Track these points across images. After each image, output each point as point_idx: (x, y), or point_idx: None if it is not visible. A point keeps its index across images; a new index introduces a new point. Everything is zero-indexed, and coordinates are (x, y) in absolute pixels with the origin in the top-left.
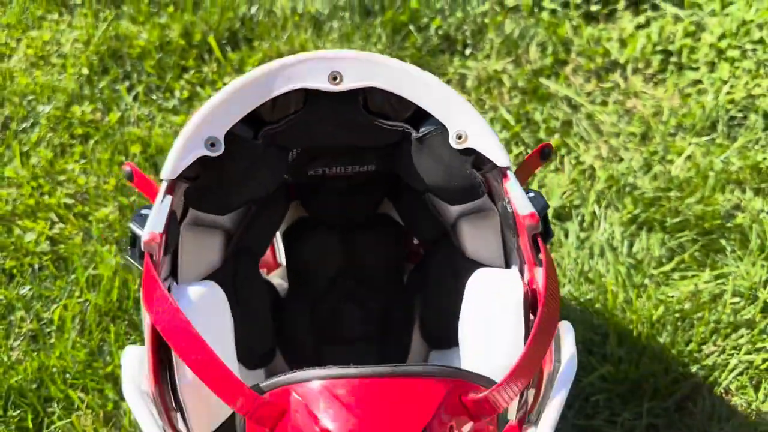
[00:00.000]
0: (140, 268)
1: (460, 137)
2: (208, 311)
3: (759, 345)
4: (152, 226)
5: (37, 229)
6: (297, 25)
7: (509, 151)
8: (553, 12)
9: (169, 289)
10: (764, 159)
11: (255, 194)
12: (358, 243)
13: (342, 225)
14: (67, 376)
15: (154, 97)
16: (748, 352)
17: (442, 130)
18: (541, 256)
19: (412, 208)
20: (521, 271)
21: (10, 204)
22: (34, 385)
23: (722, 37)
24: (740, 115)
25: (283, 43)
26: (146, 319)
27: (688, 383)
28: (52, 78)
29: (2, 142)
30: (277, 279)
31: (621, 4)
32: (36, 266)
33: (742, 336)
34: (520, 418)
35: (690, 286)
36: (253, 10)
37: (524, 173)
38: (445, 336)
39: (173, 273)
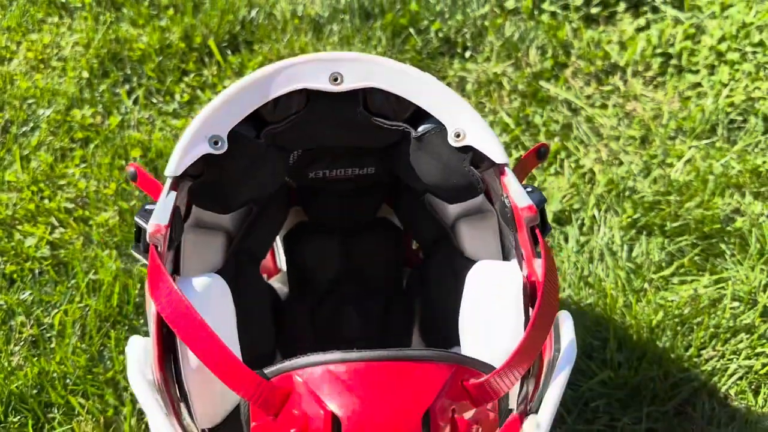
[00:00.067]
0: (145, 261)
1: (458, 135)
2: (212, 301)
3: (758, 350)
4: (157, 219)
5: (37, 233)
6: (297, 28)
7: (509, 155)
8: (553, 14)
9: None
10: (764, 162)
11: (256, 194)
12: (357, 246)
13: (342, 229)
14: (68, 381)
15: (154, 100)
16: (748, 357)
17: (441, 128)
18: (540, 247)
19: (412, 209)
20: (520, 266)
21: (10, 208)
22: (35, 391)
23: (722, 39)
24: (740, 118)
25: (283, 46)
26: (151, 309)
27: (687, 388)
28: (53, 81)
29: (2, 146)
30: (277, 284)
31: (621, 7)
32: (36, 271)
33: (741, 341)
34: (522, 412)
35: (689, 291)
36: (253, 13)
37: (521, 173)
38: (445, 335)
39: (175, 272)
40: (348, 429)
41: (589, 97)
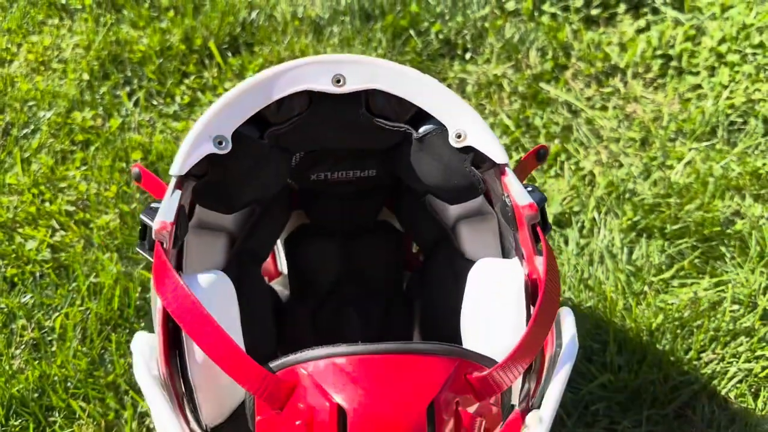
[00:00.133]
0: (150, 258)
1: (459, 136)
2: (217, 297)
3: (758, 353)
4: (163, 216)
5: (38, 236)
6: (297, 30)
7: (509, 157)
8: (553, 16)
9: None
10: (764, 165)
11: (259, 194)
12: (358, 249)
13: (342, 231)
14: (69, 385)
15: (154, 102)
16: (747, 360)
17: (442, 129)
18: (541, 245)
19: (413, 211)
20: (521, 265)
21: (11, 211)
22: (36, 394)
23: (722, 41)
24: (740, 120)
25: (284, 48)
26: (156, 305)
27: (687, 391)
28: (53, 83)
29: (3, 149)
30: (278, 287)
31: (621, 8)
32: (37, 274)
33: (741, 344)
34: (524, 408)
35: (689, 294)
36: (254, 14)
37: (521, 174)
38: (446, 336)
39: (178, 273)
40: (353, 421)
41: (589, 98)
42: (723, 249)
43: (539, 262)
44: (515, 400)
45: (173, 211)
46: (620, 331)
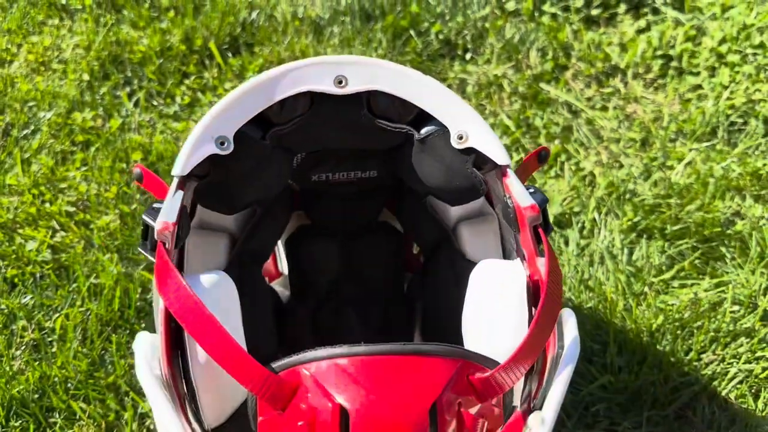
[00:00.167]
0: (152, 258)
1: (461, 137)
2: (219, 297)
3: (758, 354)
4: (165, 216)
5: (38, 237)
6: (297, 30)
7: (510, 157)
8: (554, 16)
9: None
10: (764, 165)
11: (261, 194)
12: (358, 250)
13: (343, 232)
14: (69, 386)
15: (155, 103)
16: (748, 361)
17: (444, 131)
18: (543, 246)
19: (414, 212)
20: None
21: (11, 212)
22: (36, 396)
23: (723, 41)
24: (740, 120)
25: (284, 48)
26: (158, 305)
27: (687, 392)
28: (53, 84)
29: (3, 150)
30: (279, 287)
31: (621, 8)
32: (37, 275)
33: (741, 345)
34: (525, 408)
35: (690, 295)
36: (254, 15)
37: (522, 175)
38: (447, 337)
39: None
40: (356, 421)
41: (589, 99)
42: (723, 250)
43: (541, 263)
44: (517, 401)
45: (175, 212)
46: (620, 332)
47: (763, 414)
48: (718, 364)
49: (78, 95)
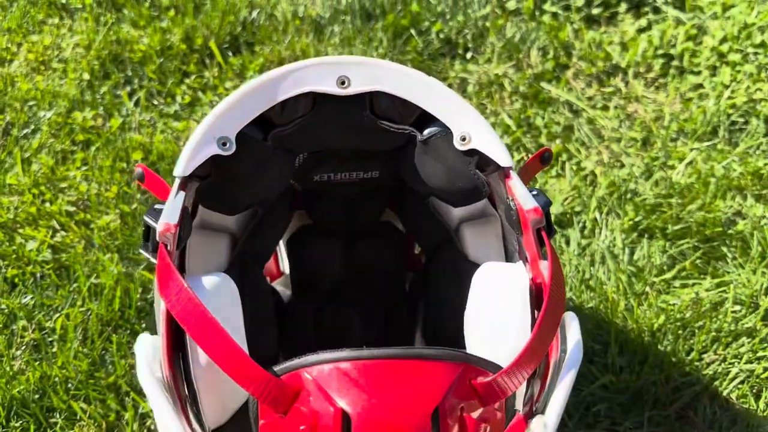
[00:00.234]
0: (153, 260)
1: (464, 139)
2: (221, 300)
3: (760, 354)
4: (167, 218)
5: (38, 237)
6: (298, 30)
7: (511, 157)
8: (555, 15)
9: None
10: (765, 165)
11: (262, 195)
12: (360, 250)
13: (345, 232)
14: (70, 386)
15: (155, 102)
16: (749, 361)
17: (447, 132)
18: (546, 249)
19: (415, 213)
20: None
21: (11, 212)
22: (37, 396)
23: (724, 40)
24: (741, 120)
25: (285, 47)
26: (160, 307)
27: (689, 392)
28: (53, 83)
29: (3, 149)
30: (280, 287)
31: (622, 7)
32: (38, 275)
33: (742, 345)
34: (527, 412)
35: (691, 294)
36: (254, 14)
37: (525, 177)
38: (449, 338)
39: (181, 273)
40: (358, 426)
41: (590, 98)
42: (724, 249)
43: (544, 266)
44: (519, 404)
45: (177, 213)
46: (622, 331)
47: (765, 414)
48: (720, 364)
49: (78, 94)
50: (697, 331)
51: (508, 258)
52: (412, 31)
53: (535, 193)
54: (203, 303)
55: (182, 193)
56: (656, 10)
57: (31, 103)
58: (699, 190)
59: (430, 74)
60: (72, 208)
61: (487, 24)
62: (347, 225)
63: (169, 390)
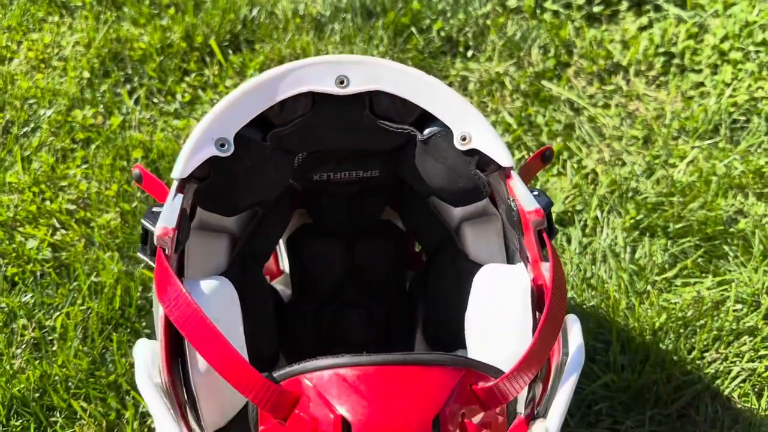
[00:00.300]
0: (151, 264)
1: (464, 138)
2: (220, 304)
3: (762, 352)
4: (164, 221)
5: (38, 235)
6: (298, 28)
7: (512, 156)
8: (556, 13)
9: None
10: (767, 163)
11: (262, 196)
12: (360, 250)
13: (345, 231)
14: (70, 385)
15: (155, 100)
16: (751, 360)
17: (447, 131)
18: (547, 250)
19: (416, 212)
20: (526, 270)
21: (11, 210)
22: (37, 394)
23: (725, 38)
24: (743, 118)
25: (285, 45)
26: (158, 312)
27: (690, 391)
28: (54, 81)
29: (3, 147)
30: (280, 286)
31: (623, 5)
32: (38, 273)
33: (744, 343)
34: (528, 415)
35: (692, 293)
36: (255, 12)
37: (526, 176)
38: (449, 338)
39: (180, 274)
40: None
41: (591, 96)
42: (726, 248)
43: (545, 267)
44: (520, 407)
45: (175, 216)
46: (623, 330)
47: (766, 413)
48: (721, 363)
49: (78, 93)
50: (698, 329)
51: (509, 257)
52: (413, 30)
53: (536, 193)
54: (202, 308)
55: (180, 196)
56: (657, 8)
57: (31, 101)
58: (700, 189)
59: (431, 73)
60: (72, 207)
61: (488, 22)
62: (347, 224)
63: (167, 395)
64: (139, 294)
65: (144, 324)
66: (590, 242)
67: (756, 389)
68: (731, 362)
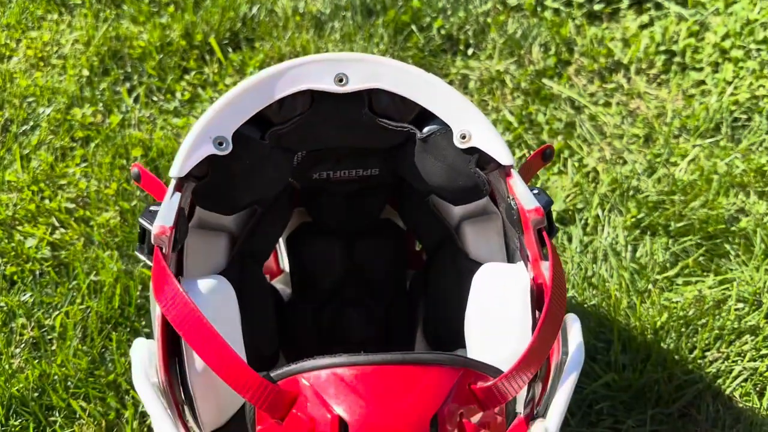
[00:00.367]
0: (149, 262)
1: (464, 137)
2: (217, 304)
3: (763, 352)
4: (162, 220)
5: (38, 234)
6: (298, 26)
7: (512, 154)
8: (556, 11)
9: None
10: None
11: (261, 195)
12: (360, 248)
13: (345, 230)
14: (69, 384)
15: (155, 98)
16: (752, 359)
17: (446, 130)
18: (547, 249)
19: (416, 211)
20: (526, 269)
21: (10, 209)
22: (36, 394)
23: (726, 36)
24: (744, 116)
25: (285, 43)
26: (156, 311)
27: (692, 390)
28: (53, 80)
29: (2, 146)
30: (280, 285)
31: (624, 3)
32: (37, 272)
33: (746, 342)
34: (528, 415)
35: (694, 292)
36: (254, 10)
37: (526, 174)
38: (449, 337)
39: (179, 273)
40: None
41: (592, 95)
42: (727, 247)
43: (545, 266)
44: (520, 407)
45: (173, 215)
46: (624, 329)
47: None
48: (723, 362)
49: (77, 91)
50: (700, 328)
51: (510, 256)
52: (413, 27)
53: (536, 192)
54: (199, 307)
55: (178, 194)
56: (658, 6)
57: (30, 99)
58: (702, 187)
59: (431, 71)
60: (71, 205)
61: (489, 20)
62: (347, 223)
63: (164, 395)
64: (138, 293)
65: (143, 323)
66: (591, 241)
67: (757, 388)
68: (733, 361)
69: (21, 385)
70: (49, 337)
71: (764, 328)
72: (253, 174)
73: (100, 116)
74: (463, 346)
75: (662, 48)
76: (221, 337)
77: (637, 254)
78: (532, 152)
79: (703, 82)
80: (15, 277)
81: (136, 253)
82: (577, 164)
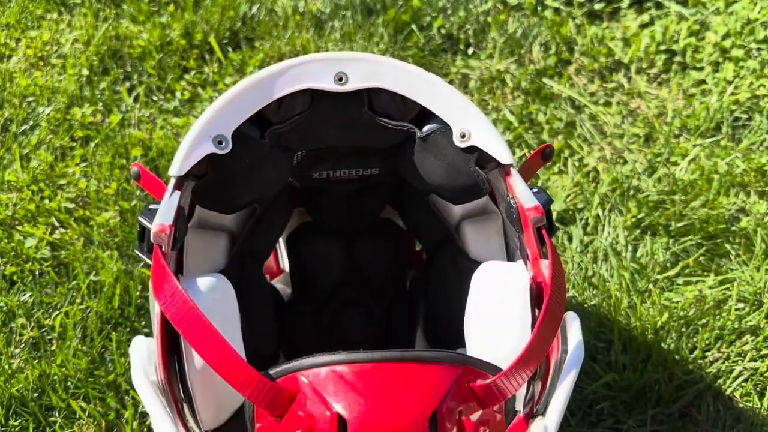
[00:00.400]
0: (148, 261)
1: (463, 136)
2: (216, 302)
3: (764, 352)
4: (161, 218)
5: (37, 234)
6: (298, 25)
7: (512, 153)
8: (557, 11)
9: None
10: None
11: (260, 194)
12: (360, 248)
13: (345, 230)
14: (69, 384)
15: (155, 98)
16: (753, 359)
17: (446, 129)
18: (546, 248)
19: (416, 210)
20: (525, 267)
21: (10, 209)
22: (36, 394)
23: (726, 36)
24: (744, 116)
25: (285, 43)
26: (155, 309)
27: (692, 390)
28: (52, 79)
29: (2, 145)
30: (280, 285)
31: (625, 3)
32: (37, 272)
33: (746, 342)
34: (528, 413)
35: (694, 292)
36: (254, 9)
37: (526, 173)
38: (450, 336)
39: (178, 273)
40: (354, 431)
41: (592, 94)
42: (728, 246)
43: (545, 265)
44: (519, 405)
45: (172, 214)
46: (625, 329)
47: None
48: (723, 362)
49: (77, 90)
50: (700, 328)
51: (510, 255)
52: (414, 27)
53: (535, 191)
54: (198, 305)
55: (177, 193)
56: (659, 6)
57: (29, 98)
58: (702, 187)
59: (431, 70)
60: (71, 205)
61: (489, 19)
62: (347, 222)
63: (164, 393)
64: (138, 293)
65: (143, 323)
66: (591, 241)
67: (758, 389)
68: (733, 361)
69: (21, 386)
70: (48, 337)
71: (765, 328)
72: (252, 173)
73: (99, 116)
74: (464, 345)
75: (663, 47)
76: (220, 334)
77: (638, 254)
78: (532, 152)
79: (703, 82)
80: (15, 277)
81: (136, 251)
82: (577, 164)
